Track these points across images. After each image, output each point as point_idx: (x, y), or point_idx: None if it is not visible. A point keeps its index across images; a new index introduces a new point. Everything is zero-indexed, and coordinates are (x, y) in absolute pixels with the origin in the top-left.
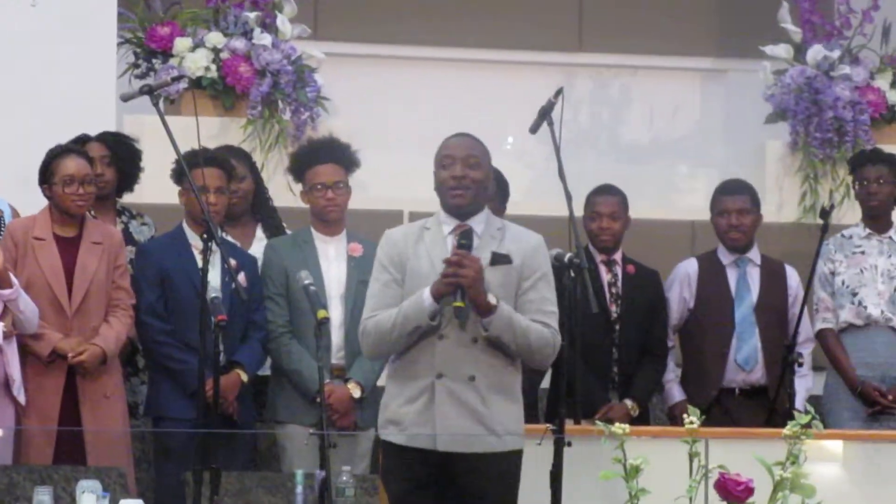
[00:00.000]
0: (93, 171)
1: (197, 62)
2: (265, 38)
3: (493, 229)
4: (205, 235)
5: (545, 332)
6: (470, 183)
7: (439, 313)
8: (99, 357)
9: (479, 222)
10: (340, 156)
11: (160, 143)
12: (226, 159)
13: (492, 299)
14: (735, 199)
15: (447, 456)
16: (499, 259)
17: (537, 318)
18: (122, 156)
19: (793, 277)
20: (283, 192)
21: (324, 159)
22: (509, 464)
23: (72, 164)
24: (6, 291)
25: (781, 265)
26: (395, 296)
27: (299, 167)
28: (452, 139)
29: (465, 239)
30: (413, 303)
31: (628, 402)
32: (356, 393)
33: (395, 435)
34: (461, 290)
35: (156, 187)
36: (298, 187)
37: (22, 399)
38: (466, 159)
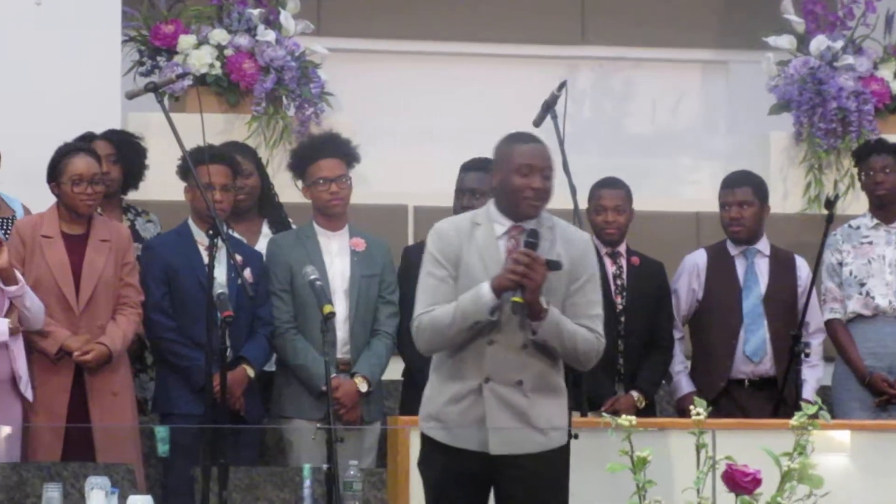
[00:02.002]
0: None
1: (201, 59)
2: (269, 35)
3: (544, 230)
4: (210, 232)
5: (590, 336)
6: (545, 195)
7: (499, 308)
8: (104, 356)
9: (531, 222)
10: (341, 150)
11: (165, 140)
12: (231, 156)
13: (544, 303)
14: (735, 192)
15: (494, 457)
16: (551, 265)
17: (583, 323)
18: (127, 153)
19: (803, 268)
20: (289, 188)
21: (326, 154)
22: (556, 461)
23: (81, 164)
24: (12, 288)
25: (791, 256)
26: (450, 292)
27: (300, 163)
28: (527, 146)
29: (533, 237)
30: (472, 297)
31: (634, 394)
32: (363, 387)
33: (437, 431)
34: (521, 288)
35: (161, 184)
36: (300, 184)
37: (29, 396)
38: (544, 171)
